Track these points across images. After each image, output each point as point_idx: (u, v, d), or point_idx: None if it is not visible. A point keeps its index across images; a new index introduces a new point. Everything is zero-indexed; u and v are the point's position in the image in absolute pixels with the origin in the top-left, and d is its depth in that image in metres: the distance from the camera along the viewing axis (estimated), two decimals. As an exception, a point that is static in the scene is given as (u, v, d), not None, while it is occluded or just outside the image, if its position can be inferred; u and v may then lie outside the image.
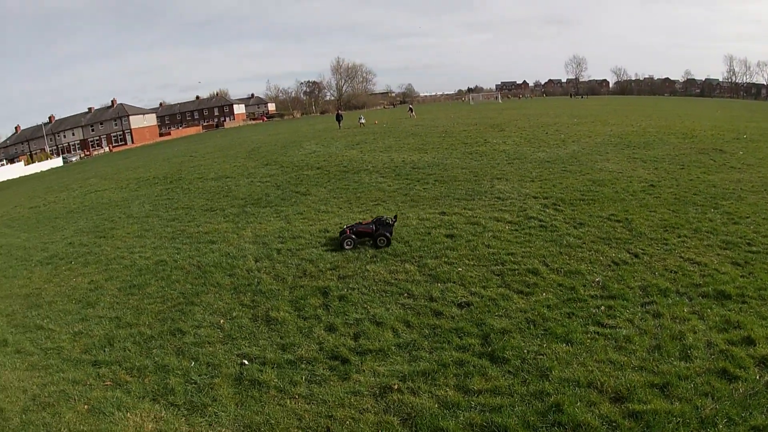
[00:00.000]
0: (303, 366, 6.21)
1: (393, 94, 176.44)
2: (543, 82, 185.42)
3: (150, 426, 5.44)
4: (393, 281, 8.30)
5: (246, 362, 6.48)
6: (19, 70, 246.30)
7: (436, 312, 7.17)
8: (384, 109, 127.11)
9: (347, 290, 8.14)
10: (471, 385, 5.45)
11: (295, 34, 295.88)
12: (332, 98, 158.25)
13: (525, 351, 5.94)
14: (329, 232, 11.28)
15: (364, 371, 5.94)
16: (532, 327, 6.51)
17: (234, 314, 7.85)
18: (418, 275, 8.45)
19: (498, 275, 8.15)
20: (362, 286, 8.23)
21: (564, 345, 6.02)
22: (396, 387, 5.56)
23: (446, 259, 8.96)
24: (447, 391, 5.38)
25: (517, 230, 10.28)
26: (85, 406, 5.97)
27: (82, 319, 8.46)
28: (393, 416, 5.11)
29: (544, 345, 6.05)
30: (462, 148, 22.11)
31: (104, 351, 7.23)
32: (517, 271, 8.23)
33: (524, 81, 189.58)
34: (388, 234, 10.04)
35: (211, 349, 6.91)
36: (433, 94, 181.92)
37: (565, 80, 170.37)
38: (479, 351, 6.09)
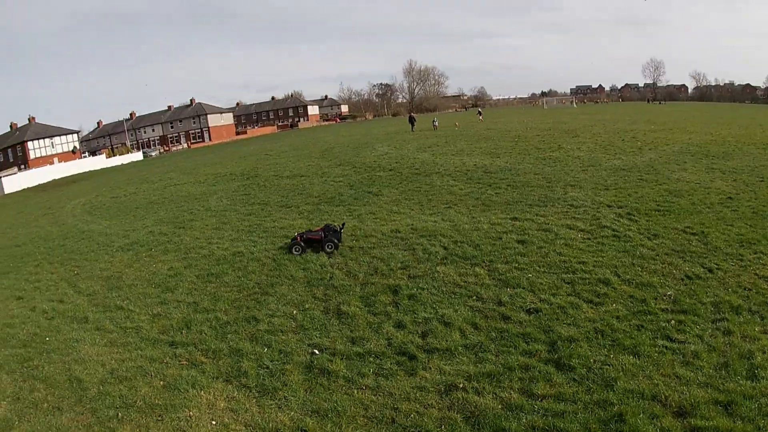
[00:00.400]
0: (371, 359, 6.81)
1: (465, 97, 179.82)
2: (619, 87, 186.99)
3: (222, 404, 6.19)
4: (462, 284, 8.83)
5: (317, 352, 7.16)
6: (103, 68, 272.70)
7: (504, 316, 7.60)
8: (456, 112, 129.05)
9: (417, 290, 8.74)
10: (535, 389, 5.80)
11: (368, 36, 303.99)
12: (404, 101, 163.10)
13: (591, 360, 6.26)
14: (400, 232, 11.97)
15: (430, 368, 6.44)
16: (600, 337, 6.83)
17: (306, 306, 8.67)
18: (488, 279, 8.94)
19: (568, 283, 8.52)
20: (432, 286, 8.82)
21: (631, 357, 6.30)
22: (461, 386, 6.00)
23: (516, 265, 9.41)
24: (511, 394, 5.76)
25: (589, 239, 10.64)
26: (161, 382, 6.84)
27: (161, 302, 9.61)
28: (456, 413, 5.54)
29: (611, 356, 6.35)
30: (535, 154, 22.51)
31: (181, 333, 8.21)
32: (587, 281, 8.58)
33: (600, 85, 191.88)
34: (335, 240, 11.34)
35: (283, 337, 7.70)
36: (506, 97, 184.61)
37: (642, 85, 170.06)
38: (545, 357, 6.46)
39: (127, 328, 8.83)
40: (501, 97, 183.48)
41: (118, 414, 6.30)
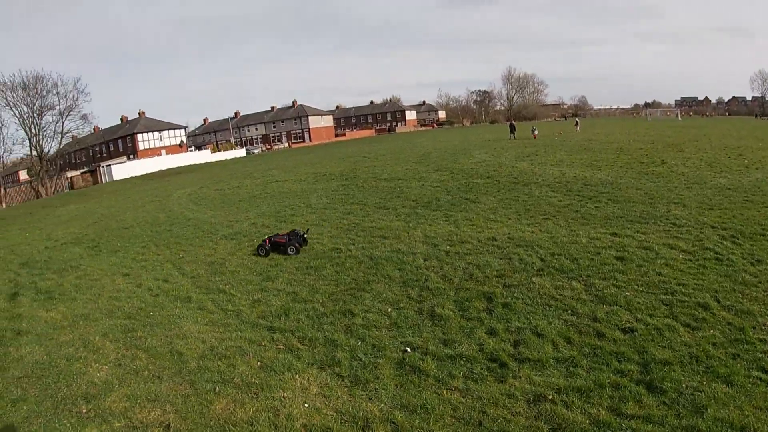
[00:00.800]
0: (462, 362, 6.94)
1: (565, 106, 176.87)
2: (726, 99, 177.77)
3: (315, 390, 6.52)
4: (558, 296, 8.78)
5: (409, 350, 7.38)
6: (210, 69, 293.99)
7: (598, 333, 7.50)
8: (555, 121, 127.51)
9: (512, 299, 8.79)
10: (624, 408, 5.72)
11: (468, 42, 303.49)
12: (502, 108, 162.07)
13: (683, 385, 6.09)
14: (497, 240, 12.02)
15: (520, 377, 6.49)
16: (694, 362, 6.60)
17: (401, 305, 8.94)
18: (584, 294, 8.83)
19: (666, 305, 8.26)
20: (527, 297, 8.83)
21: (724, 385, 6.07)
22: (550, 397, 6.01)
23: (614, 282, 9.23)
24: (600, 411, 5.71)
25: (690, 260, 10.20)
26: (258, 363, 7.31)
27: (262, 289, 10.29)
28: (543, 424, 5.56)
29: (704, 382, 6.15)
30: (637, 168, 21.76)
31: (279, 319, 8.73)
32: (686, 303, 8.28)
33: (706, 97, 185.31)
34: (297, 245, 12.59)
35: (377, 332, 8.00)
36: (607, 107, 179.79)
37: (750, 98, 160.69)
38: (637, 378, 6.34)
39: (228, 310, 9.51)
40: (602, 107, 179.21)
41: (215, 388, 6.79)
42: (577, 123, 56.96)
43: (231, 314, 9.30)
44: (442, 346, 7.48)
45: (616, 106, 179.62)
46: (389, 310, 8.84)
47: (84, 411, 6.63)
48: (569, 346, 7.22)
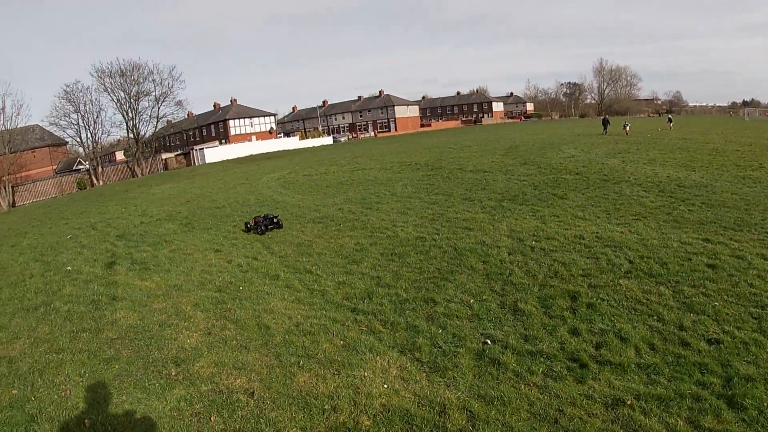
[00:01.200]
0: (542, 359, 6.85)
1: (659, 102, 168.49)
2: None
3: (394, 372, 6.63)
4: (645, 301, 8.47)
5: (489, 342, 7.36)
6: (298, 59, 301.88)
7: (683, 341, 7.20)
8: (648, 117, 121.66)
9: (597, 299, 8.55)
10: (702, 421, 5.51)
11: (558, 33, 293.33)
12: (593, 101, 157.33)
13: (765, 404, 5.77)
14: (584, 239, 11.70)
15: (599, 380, 6.34)
16: None
17: (483, 297, 8.90)
18: (672, 301, 8.47)
19: (755, 318, 7.80)
20: (612, 298, 8.58)
21: None
22: (628, 403, 5.86)
23: (703, 290, 8.79)
24: (678, 421, 5.53)
25: None
26: (341, 342, 7.52)
27: (347, 272, 10.55)
28: (619, 428, 5.43)
29: None
30: (733, 171, 20.47)
31: (363, 302, 8.92)
32: None
33: None
34: (262, 227, 14.88)
35: (458, 322, 8.01)
36: (703, 104, 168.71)
37: None
38: (718, 391, 6.06)
39: (314, 290, 9.82)
40: (697, 104, 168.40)
41: (299, 362, 7.05)
42: (670, 120, 53.93)
43: (316, 294, 9.61)
44: (522, 341, 7.42)
45: (712, 104, 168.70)
46: (471, 301, 8.83)
47: (173, 373, 7.06)
48: (652, 353, 6.99)
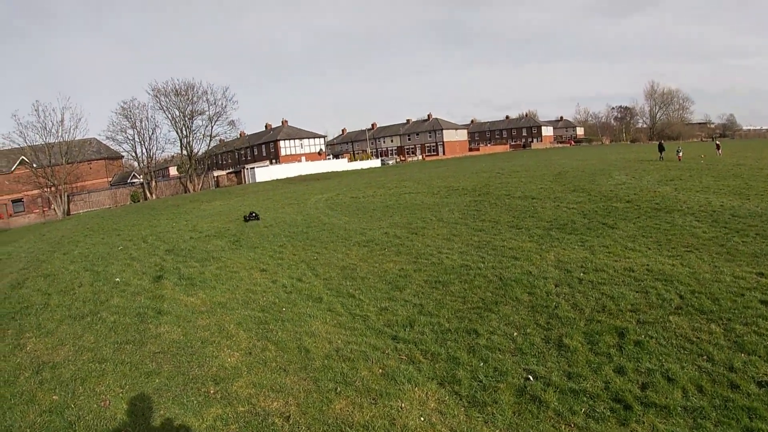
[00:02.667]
0: (585, 398, 6.64)
1: (712, 125, 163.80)
2: None
3: (432, 405, 6.51)
4: (694, 339, 8.12)
5: (531, 378, 7.16)
6: (349, 81, 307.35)
7: (732, 384, 6.87)
8: (701, 141, 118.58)
9: (645, 336, 8.24)
10: None
11: (609, 54, 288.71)
12: (644, 126, 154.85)
13: None
14: (634, 272, 11.31)
15: (643, 423, 6.11)
16: None
17: (528, 330, 8.68)
18: (723, 339, 8.10)
19: None
20: (661, 336, 8.25)
21: None
22: None
23: (756, 328, 8.39)
24: None
25: None
26: (380, 370, 7.43)
27: (390, 298, 10.48)
28: None
29: None
30: None
31: (404, 330, 8.82)
32: None
33: None
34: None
35: (500, 356, 7.82)
36: (758, 128, 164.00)
37: None
38: None
39: (356, 314, 9.80)
40: (752, 128, 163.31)
41: (337, 388, 7.00)
42: (718, 147, 51.79)
43: (358, 319, 9.58)
44: (566, 378, 7.20)
45: (767, 127, 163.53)
46: (515, 334, 8.63)
47: (212, 392, 7.11)
48: (700, 395, 6.69)
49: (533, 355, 7.93)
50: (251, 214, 24.14)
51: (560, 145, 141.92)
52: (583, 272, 11.51)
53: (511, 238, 15.04)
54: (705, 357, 7.61)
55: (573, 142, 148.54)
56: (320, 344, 8.51)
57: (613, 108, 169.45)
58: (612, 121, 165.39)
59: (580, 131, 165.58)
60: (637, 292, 10.17)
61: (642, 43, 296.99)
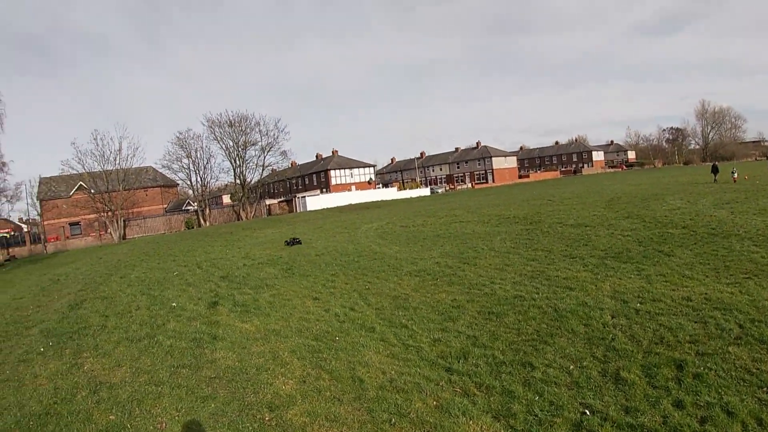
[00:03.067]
0: None
1: (766, 143, 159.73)
2: None
3: (488, 439, 6.49)
4: (755, 370, 7.80)
5: (587, 413, 6.96)
6: (398, 110, 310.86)
7: None
8: (756, 161, 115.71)
9: (704, 369, 7.94)
10: None
11: (658, 74, 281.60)
12: (696, 147, 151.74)
13: None
14: (692, 301, 10.92)
15: None
16: None
17: (584, 363, 8.45)
18: None
19: None
20: (721, 368, 7.94)
21: None
22: None
23: None
24: None
25: None
26: (434, 402, 7.34)
27: (443, 329, 10.38)
28: None
29: None
30: None
31: (458, 362, 8.70)
32: None
33: None
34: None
35: (556, 389, 7.64)
36: None
37: None
38: None
39: (408, 345, 9.73)
40: None
41: (391, 419, 6.95)
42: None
43: (411, 350, 9.51)
44: (623, 413, 6.97)
45: None
46: (571, 367, 8.42)
47: (267, 419, 7.17)
48: (760, 429, 6.41)
49: (590, 388, 7.71)
50: (293, 239, 26.36)
51: (612, 169, 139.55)
52: (640, 302, 11.19)
53: (565, 268, 14.76)
54: (765, 389, 7.33)
55: (624, 167, 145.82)
56: (374, 374, 8.48)
57: (664, 130, 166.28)
58: (663, 144, 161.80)
59: (631, 155, 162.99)
60: (695, 322, 9.82)
61: (690, 62, 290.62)
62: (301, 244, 25.50)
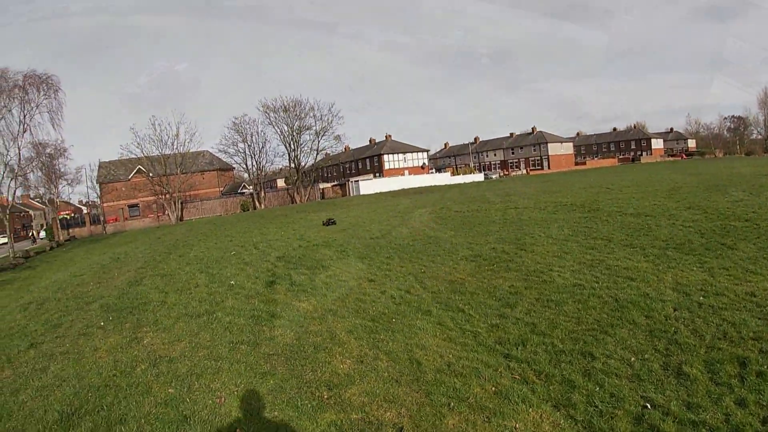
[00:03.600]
0: (704, 431, 6.25)
1: None
2: None
3: (547, 427, 6.30)
4: None
5: (648, 406, 6.78)
6: (453, 95, 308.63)
7: None
8: None
9: (767, 367, 7.63)
10: None
11: (721, 61, 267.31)
12: (759, 136, 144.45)
13: None
14: (756, 297, 10.45)
15: None
16: None
17: (645, 356, 8.23)
18: None
19: None
20: None
21: None
22: None
23: None
24: None
25: None
26: (492, 388, 7.27)
27: (500, 315, 10.25)
28: None
29: None
30: None
31: (517, 348, 8.60)
32: None
33: None
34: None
35: (617, 381, 7.47)
36: None
37: None
38: None
39: (465, 330, 9.67)
40: None
41: (449, 403, 6.92)
42: None
43: (468, 334, 9.44)
44: (684, 408, 6.76)
45: None
46: (632, 359, 8.20)
47: (325, 397, 7.23)
48: None
49: (651, 382, 7.51)
50: (329, 220, 28.81)
51: (671, 158, 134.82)
52: (702, 296, 10.79)
53: (626, 258, 14.35)
54: (829, 390, 7.00)
55: (684, 156, 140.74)
56: (431, 357, 8.46)
57: (725, 118, 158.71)
58: (725, 132, 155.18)
59: (691, 143, 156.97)
60: (759, 318, 9.40)
61: (754, 49, 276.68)
62: (335, 224, 27.53)
